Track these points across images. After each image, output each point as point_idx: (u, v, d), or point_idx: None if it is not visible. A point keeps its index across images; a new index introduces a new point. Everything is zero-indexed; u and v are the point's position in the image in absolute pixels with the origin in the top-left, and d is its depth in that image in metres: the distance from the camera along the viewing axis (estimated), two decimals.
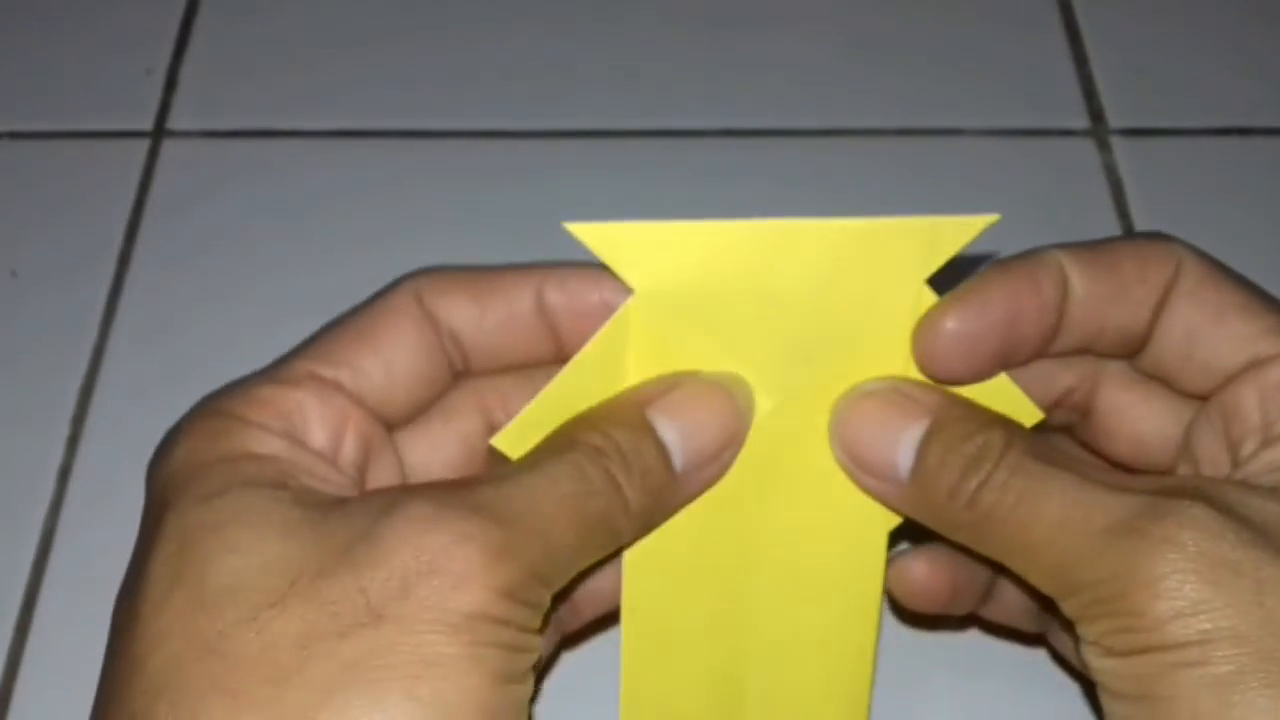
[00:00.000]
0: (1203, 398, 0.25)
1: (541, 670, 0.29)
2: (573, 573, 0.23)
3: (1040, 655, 0.32)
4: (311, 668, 0.20)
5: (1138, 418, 0.26)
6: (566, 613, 0.28)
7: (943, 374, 0.25)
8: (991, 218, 0.26)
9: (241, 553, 0.21)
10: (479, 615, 0.21)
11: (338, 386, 0.24)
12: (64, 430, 0.36)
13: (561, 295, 0.26)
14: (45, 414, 0.36)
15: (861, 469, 0.25)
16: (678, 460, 0.24)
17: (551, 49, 0.44)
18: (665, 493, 0.24)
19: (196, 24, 0.44)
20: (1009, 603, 0.28)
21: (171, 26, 0.44)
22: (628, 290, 0.24)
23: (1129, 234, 0.39)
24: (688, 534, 0.25)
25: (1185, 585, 0.21)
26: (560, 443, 0.23)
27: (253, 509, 0.22)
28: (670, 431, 0.24)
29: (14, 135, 0.42)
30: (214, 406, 0.25)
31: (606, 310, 0.25)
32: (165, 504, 0.23)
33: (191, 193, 0.40)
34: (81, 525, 0.34)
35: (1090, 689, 0.29)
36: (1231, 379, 0.24)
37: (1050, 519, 0.22)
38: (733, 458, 0.25)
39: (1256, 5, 0.45)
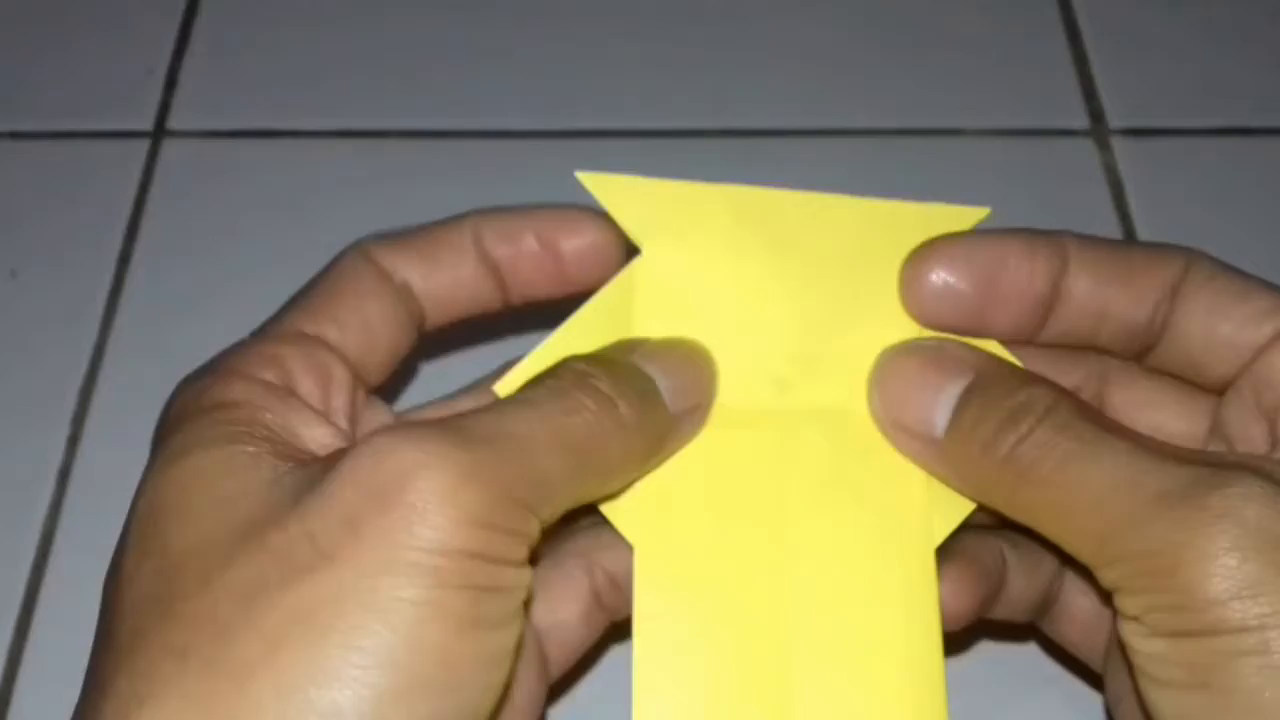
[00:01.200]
0: (1221, 390, 0.25)
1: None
2: (565, 502, 0.21)
3: (1030, 649, 0.32)
4: (255, 621, 0.19)
5: (1155, 411, 0.25)
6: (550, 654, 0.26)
7: (929, 319, 0.25)
8: (983, 211, 0.26)
9: (203, 515, 0.21)
10: (439, 550, 0.19)
11: (321, 341, 0.24)
12: (64, 430, 0.36)
13: (500, 242, 0.26)
14: (45, 413, 0.36)
15: (897, 427, 0.24)
16: (668, 399, 0.23)
17: (553, 50, 0.44)
18: (662, 425, 0.23)
19: (196, 24, 0.44)
20: (1014, 599, 0.27)
21: (172, 27, 0.44)
22: (555, 226, 0.25)
23: (1132, 236, 0.39)
24: (701, 536, 0.25)
25: (1245, 564, 0.19)
26: (544, 374, 0.23)
27: (219, 470, 0.21)
28: (655, 371, 0.23)
29: (14, 135, 0.42)
30: (202, 367, 0.24)
31: (542, 253, 0.25)
32: (151, 461, 0.23)
33: (191, 192, 0.40)
34: (81, 525, 0.34)
35: (1091, 676, 0.29)
36: (1261, 350, 0.24)
37: (1098, 482, 0.21)
38: (704, 417, 0.24)
39: (1256, 5, 0.45)
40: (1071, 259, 0.24)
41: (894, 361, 0.24)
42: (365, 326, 0.25)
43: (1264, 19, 0.44)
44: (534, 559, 0.21)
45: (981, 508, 0.24)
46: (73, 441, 0.36)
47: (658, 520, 0.24)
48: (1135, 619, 0.21)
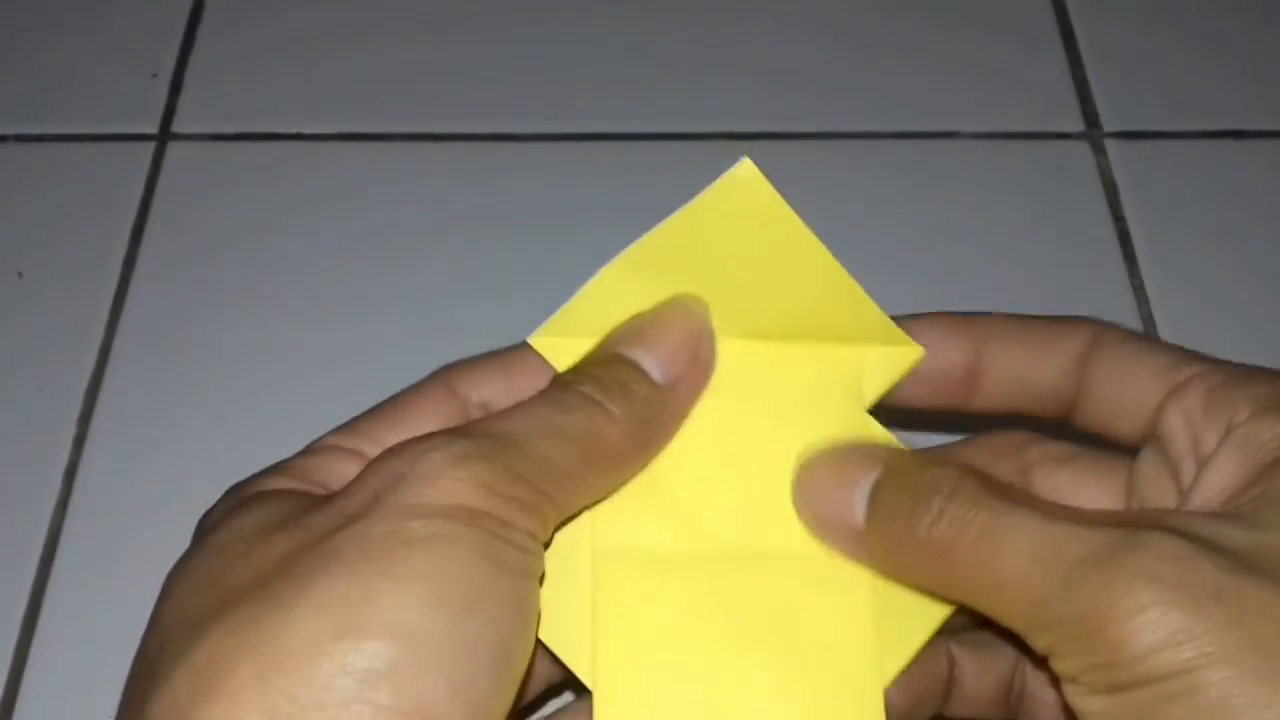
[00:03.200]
0: (1138, 446, 0.26)
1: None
2: (577, 488, 0.23)
3: None
4: (292, 568, 0.21)
5: (1077, 490, 0.27)
6: None
7: None
8: (916, 352, 0.27)
9: (248, 515, 0.23)
10: (455, 506, 0.21)
11: (357, 454, 0.25)
12: (70, 430, 0.36)
13: None
14: (52, 414, 0.36)
15: (822, 524, 0.25)
16: (655, 372, 0.25)
17: (554, 53, 0.44)
18: (653, 402, 0.24)
19: (201, 28, 0.45)
20: (971, 697, 0.28)
21: (176, 30, 0.44)
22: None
23: (1126, 239, 0.39)
24: (658, 686, 0.25)
25: (1167, 616, 0.20)
26: (535, 393, 0.24)
27: (259, 501, 0.23)
28: (638, 352, 0.25)
29: (21, 138, 0.42)
30: (237, 484, 0.26)
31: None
32: (195, 540, 0.24)
33: (196, 195, 0.41)
34: (87, 524, 0.34)
35: None
36: (1159, 408, 0.25)
37: (1016, 553, 0.22)
38: (711, 351, 0.26)
39: (1249, 9, 0.45)
40: (989, 337, 0.27)
41: (811, 464, 0.26)
42: None
43: (1256, 23, 0.45)
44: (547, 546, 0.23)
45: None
46: (79, 441, 0.36)
47: (617, 672, 0.25)
48: (1073, 680, 0.22)
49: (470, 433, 0.22)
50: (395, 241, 0.40)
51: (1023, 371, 0.27)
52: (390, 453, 0.22)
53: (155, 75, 0.43)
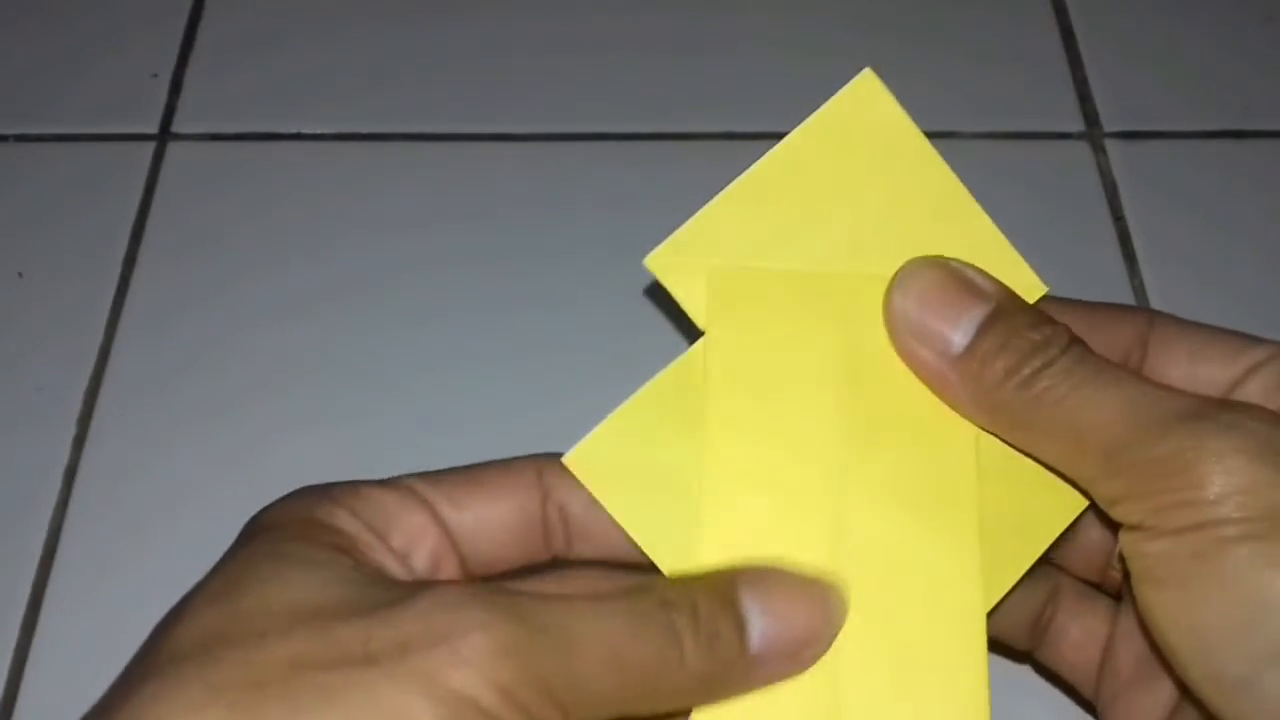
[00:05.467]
0: None
1: None
2: (598, 708, 0.22)
3: (1025, 671, 0.32)
4: (290, 687, 0.20)
5: (1195, 362, 0.27)
6: None
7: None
8: (1040, 289, 0.27)
9: (281, 585, 0.22)
10: (466, 699, 0.20)
11: (429, 506, 0.25)
12: (70, 430, 0.36)
13: None
14: (52, 414, 0.36)
15: (913, 333, 0.25)
16: (755, 640, 0.23)
17: (554, 54, 0.44)
18: (734, 667, 0.23)
19: (201, 28, 0.45)
20: (1001, 616, 0.28)
21: (177, 31, 0.44)
22: None
23: (1126, 238, 0.39)
24: None
25: (1250, 464, 0.21)
26: (634, 586, 0.23)
27: (311, 559, 0.23)
28: (755, 609, 0.23)
29: (21, 138, 0.42)
30: (316, 486, 0.25)
31: None
32: (244, 541, 0.24)
33: (196, 195, 0.41)
34: (87, 524, 0.34)
35: (1078, 697, 0.30)
36: (1236, 384, 0.25)
37: (1113, 404, 0.22)
38: (814, 658, 0.23)
39: (1249, 9, 0.45)
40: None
41: (920, 272, 0.25)
42: (480, 514, 0.25)
43: (1256, 23, 0.45)
44: None
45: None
46: (79, 442, 0.36)
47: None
48: (1137, 526, 0.22)
49: (530, 617, 0.21)
50: (395, 241, 0.40)
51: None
52: (445, 602, 0.21)
53: (155, 75, 0.43)
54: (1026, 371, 0.23)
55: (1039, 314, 0.25)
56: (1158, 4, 0.45)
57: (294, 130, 0.42)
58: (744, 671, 0.23)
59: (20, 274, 0.39)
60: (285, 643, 0.21)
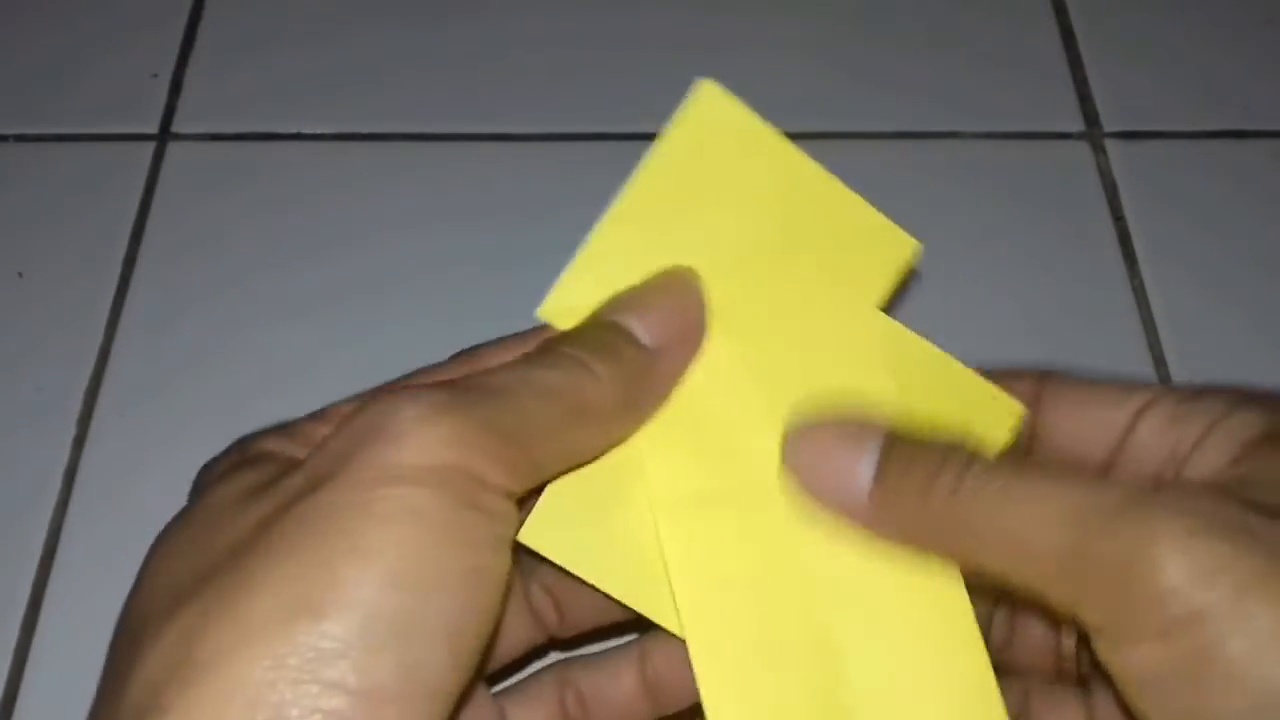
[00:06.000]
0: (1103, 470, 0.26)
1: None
2: (551, 445, 0.23)
3: None
4: (262, 539, 0.21)
5: (1080, 416, 0.27)
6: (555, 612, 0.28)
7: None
8: (912, 245, 0.28)
9: (225, 487, 0.23)
10: (425, 466, 0.20)
11: None
12: (70, 430, 0.36)
13: None
14: (52, 414, 0.36)
15: (822, 496, 0.24)
16: (644, 338, 0.24)
17: (554, 54, 0.44)
18: (639, 364, 0.24)
19: (201, 28, 0.45)
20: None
21: (177, 30, 0.44)
22: None
23: (1126, 239, 0.39)
24: (735, 553, 0.25)
25: (1207, 547, 0.20)
26: (537, 349, 0.24)
27: (246, 468, 0.24)
28: (629, 319, 0.24)
29: (20, 138, 0.42)
30: (245, 435, 0.26)
31: None
32: (189, 500, 0.25)
33: (196, 195, 0.41)
34: (87, 525, 0.34)
35: None
36: (1127, 431, 0.26)
37: (1040, 513, 0.21)
38: (702, 331, 0.25)
39: (1249, 9, 0.45)
40: None
41: (801, 437, 0.25)
42: None
43: (1257, 23, 0.45)
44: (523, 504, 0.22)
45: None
46: (79, 442, 0.36)
47: (705, 614, 0.25)
48: (1100, 630, 0.21)
49: (448, 385, 0.22)
50: (395, 241, 0.40)
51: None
52: (367, 402, 0.22)
53: (155, 75, 0.43)
54: (944, 484, 0.22)
55: (931, 430, 0.24)
56: (1158, 4, 0.45)
57: (294, 130, 0.42)
58: (650, 365, 0.24)
59: (20, 274, 0.39)
60: (244, 516, 0.22)
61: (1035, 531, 0.21)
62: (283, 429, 0.26)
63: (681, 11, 0.45)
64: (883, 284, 0.27)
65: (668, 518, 0.25)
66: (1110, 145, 0.42)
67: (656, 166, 0.27)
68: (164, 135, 0.42)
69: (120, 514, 0.35)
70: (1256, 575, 0.19)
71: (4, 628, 0.33)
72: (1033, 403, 0.27)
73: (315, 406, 0.36)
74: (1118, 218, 0.40)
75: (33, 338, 0.38)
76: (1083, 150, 0.41)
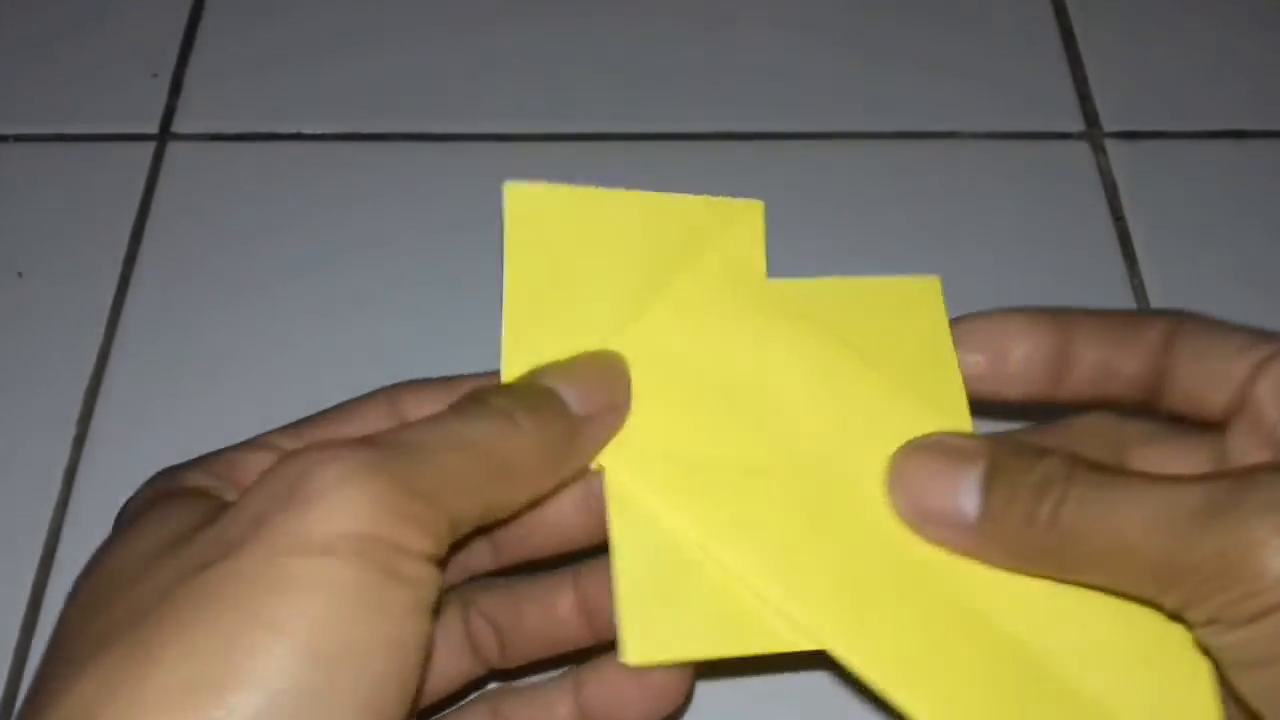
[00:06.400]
0: (1225, 422, 0.27)
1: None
2: (475, 503, 0.22)
3: None
4: (168, 605, 0.20)
5: (1169, 465, 0.27)
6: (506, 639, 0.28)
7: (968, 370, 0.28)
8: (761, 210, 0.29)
9: (139, 537, 0.22)
10: (340, 534, 0.20)
11: (279, 451, 0.25)
12: (70, 430, 0.36)
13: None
14: (52, 414, 0.36)
15: (928, 520, 0.25)
16: (573, 403, 0.24)
17: (555, 53, 0.44)
18: (565, 427, 0.24)
19: (202, 28, 0.45)
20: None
21: (177, 30, 0.44)
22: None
23: (1126, 239, 0.39)
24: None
25: None
26: (463, 399, 0.24)
27: (166, 510, 0.23)
28: (558, 383, 0.24)
29: (20, 138, 0.42)
30: (168, 468, 0.26)
31: None
32: (110, 537, 0.24)
33: (197, 196, 0.41)
34: (87, 525, 0.34)
35: None
36: (1245, 383, 0.26)
37: (1139, 517, 0.23)
38: (626, 397, 0.25)
39: (1249, 9, 0.45)
40: (1075, 327, 0.27)
41: (908, 459, 0.26)
42: None
43: (1257, 23, 0.45)
44: (444, 565, 0.22)
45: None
46: (79, 442, 0.36)
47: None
48: (1210, 623, 0.23)
49: (371, 442, 0.21)
50: (396, 241, 0.40)
51: (1109, 359, 0.27)
52: (283, 462, 0.21)
53: (155, 75, 0.43)
54: (1045, 514, 0.24)
55: (1029, 451, 0.25)
56: (1158, 4, 0.45)
57: (294, 130, 0.42)
58: (575, 430, 0.24)
59: (20, 274, 0.39)
60: (156, 574, 0.21)
61: (1132, 545, 0.23)
62: (206, 462, 0.25)
63: (681, 13, 0.45)
64: (757, 253, 0.28)
65: (737, 556, 0.25)
66: (1110, 145, 0.42)
67: (517, 271, 0.26)
68: (164, 135, 0.42)
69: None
70: None
71: (4, 628, 0.33)
72: (1164, 349, 0.27)
73: (314, 406, 0.36)
74: (1118, 218, 0.40)
75: (33, 337, 0.38)
76: (1083, 150, 0.42)
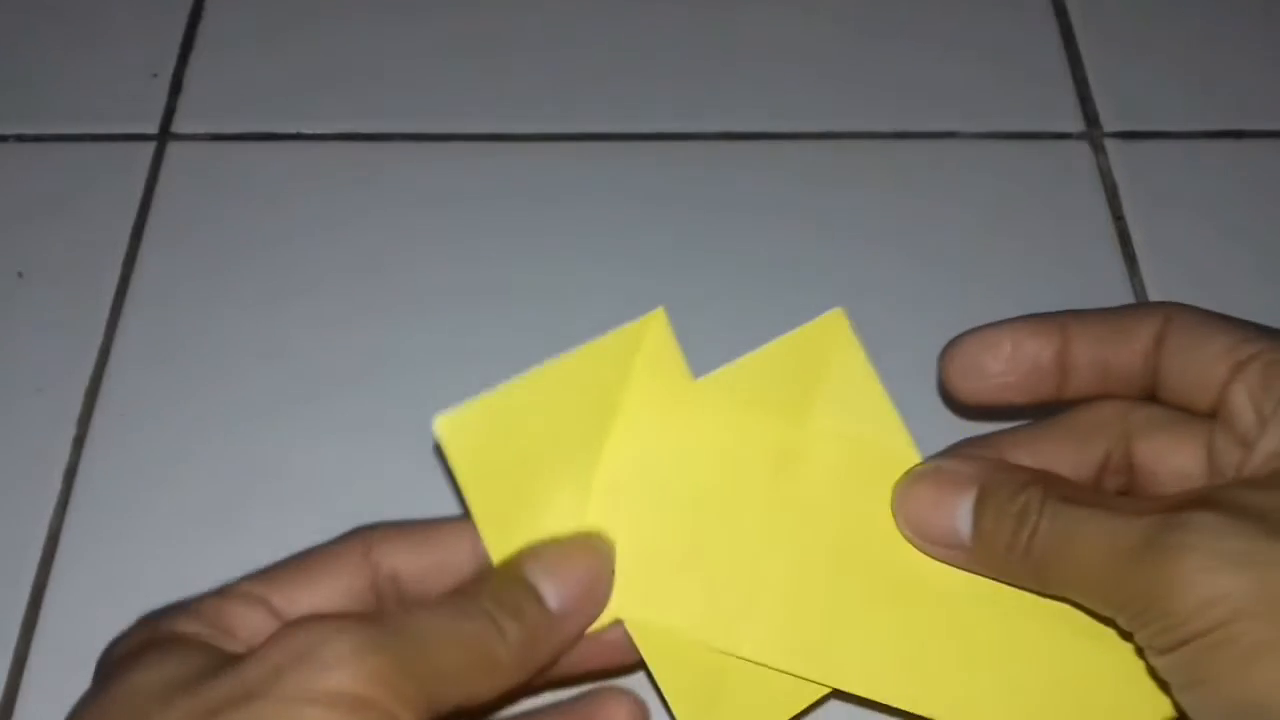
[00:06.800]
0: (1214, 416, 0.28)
1: None
2: (456, 692, 0.25)
3: None
4: None
5: (1170, 455, 0.29)
6: None
7: (964, 398, 0.30)
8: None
9: (146, 671, 0.24)
10: (345, 694, 0.23)
11: (266, 605, 0.27)
12: (70, 430, 0.36)
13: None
14: (52, 414, 0.36)
15: (929, 541, 0.29)
16: (552, 602, 0.27)
17: (555, 54, 0.44)
18: (545, 627, 0.27)
19: (201, 28, 0.45)
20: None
21: (177, 30, 0.44)
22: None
23: (1126, 239, 0.39)
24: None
25: (1202, 581, 0.24)
26: (457, 591, 0.27)
27: (168, 651, 0.25)
28: (541, 577, 0.27)
29: (20, 138, 0.42)
30: (152, 612, 0.27)
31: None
32: (100, 670, 0.26)
33: (197, 196, 0.41)
34: (87, 525, 0.34)
35: None
36: (1224, 386, 0.27)
37: (1090, 550, 0.26)
38: (605, 598, 0.28)
39: (1249, 9, 0.45)
40: (1072, 329, 0.29)
41: (909, 489, 0.29)
42: (314, 603, 0.27)
43: (1257, 23, 0.45)
44: None
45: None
46: (79, 442, 0.36)
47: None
48: (1148, 647, 0.25)
49: (377, 622, 0.24)
50: (395, 241, 0.40)
51: (1105, 359, 0.29)
52: (298, 627, 0.24)
53: (155, 75, 0.43)
54: (1022, 542, 0.27)
55: (1015, 479, 0.28)
56: (1158, 4, 0.45)
57: (294, 130, 0.42)
58: (555, 628, 0.27)
59: (20, 274, 0.39)
60: (168, 711, 0.23)
61: (1087, 574, 0.26)
62: (189, 609, 0.27)
63: (682, 12, 0.45)
64: (675, 360, 0.29)
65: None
66: (1110, 145, 0.42)
67: (473, 487, 0.27)
68: (164, 135, 0.42)
69: (120, 514, 0.35)
70: (1240, 605, 0.24)
71: (4, 628, 0.33)
72: (1155, 348, 0.29)
73: (316, 406, 0.36)
74: (1118, 218, 0.40)
75: (33, 338, 0.38)
76: (1083, 150, 0.42)
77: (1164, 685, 0.26)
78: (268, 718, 0.22)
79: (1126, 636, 0.26)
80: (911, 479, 0.29)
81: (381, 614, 0.25)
